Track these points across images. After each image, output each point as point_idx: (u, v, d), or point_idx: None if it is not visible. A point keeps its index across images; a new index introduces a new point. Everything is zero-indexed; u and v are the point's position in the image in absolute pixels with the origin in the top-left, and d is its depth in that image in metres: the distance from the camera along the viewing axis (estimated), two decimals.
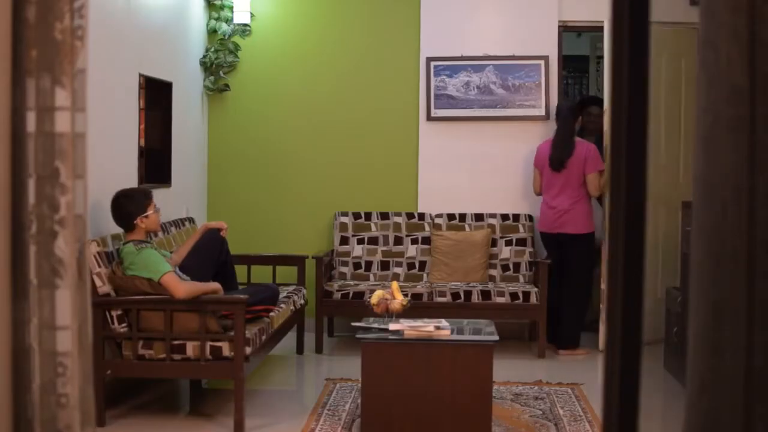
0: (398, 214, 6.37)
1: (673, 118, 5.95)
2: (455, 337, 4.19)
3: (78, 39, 1.79)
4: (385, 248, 6.32)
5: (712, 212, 1.04)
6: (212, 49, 6.40)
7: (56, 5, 1.77)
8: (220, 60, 6.41)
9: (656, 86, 5.78)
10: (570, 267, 5.92)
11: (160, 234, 5.15)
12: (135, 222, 4.44)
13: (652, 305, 5.76)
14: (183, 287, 4.28)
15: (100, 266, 4.28)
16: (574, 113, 6.01)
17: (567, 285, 5.93)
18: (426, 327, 4.16)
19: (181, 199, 5.98)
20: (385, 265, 6.29)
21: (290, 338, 5.79)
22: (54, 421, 1.81)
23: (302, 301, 5.73)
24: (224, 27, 6.44)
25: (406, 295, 4.74)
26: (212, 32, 6.49)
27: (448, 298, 5.78)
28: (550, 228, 5.98)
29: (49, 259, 1.79)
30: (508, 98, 6.38)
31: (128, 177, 5.14)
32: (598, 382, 5.11)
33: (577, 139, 5.93)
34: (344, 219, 6.37)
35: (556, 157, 5.89)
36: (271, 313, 4.82)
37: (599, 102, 6.41)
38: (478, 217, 6.34)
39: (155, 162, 5.55)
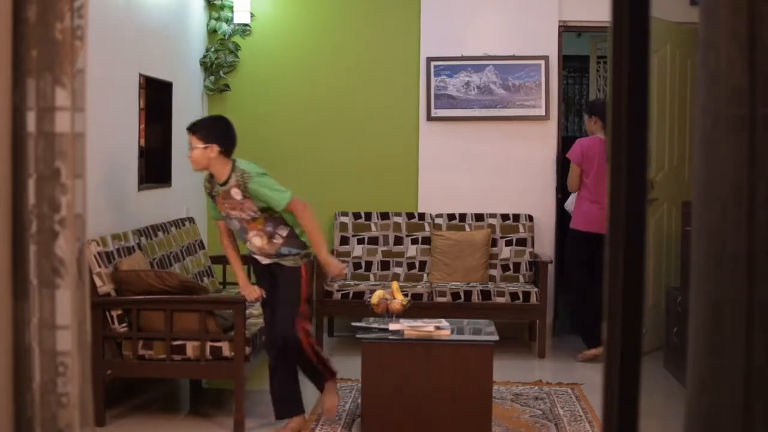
0: (398, 214, 6.37)
1: (678, 117, 5.95)
2: (455, 337, 4.19)
3: (78, 39, 1.80)
4: (385, 248, 6.32)
5: (712, 212, 1.04)
6: (212, 49, 6.40)
7: (56, 5, 1.77)
8: (220, 60, 6.41)
9: (662, 85, 5.78)
10: None
11: (161, 234, 5.15)
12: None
13: (651, 307, 5.76)
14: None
15: (100, 266, 4.28)
16: None
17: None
18: (426, 327, 4.16)
19: (181, 199, 5.98)
20: (385, 265, 6.29)
21: None
22: (54, 420, 1.81)
23: None
24: (224, 27, 6.44)
25: (406, 295, 4.74)
26: (212, 32, 6.49)
27: (448, 298, 5.78)
28: (599, 228, 5.66)
29: (50, 258, 1.79)
30: (508, 98, 6.38)
31: (128, 177, 5.14)
32: (598, 382, 5.11)
33: None
34: (344, 219, 6.37)
35: None
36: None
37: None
38: (478, 217, 6.34)
39: (155, 162, 5.55)
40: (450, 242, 6.20)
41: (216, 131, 4.08)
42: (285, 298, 4.16)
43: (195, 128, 4.11)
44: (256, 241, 4.16)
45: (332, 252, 6.32)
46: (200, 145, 4.03)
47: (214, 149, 4.02)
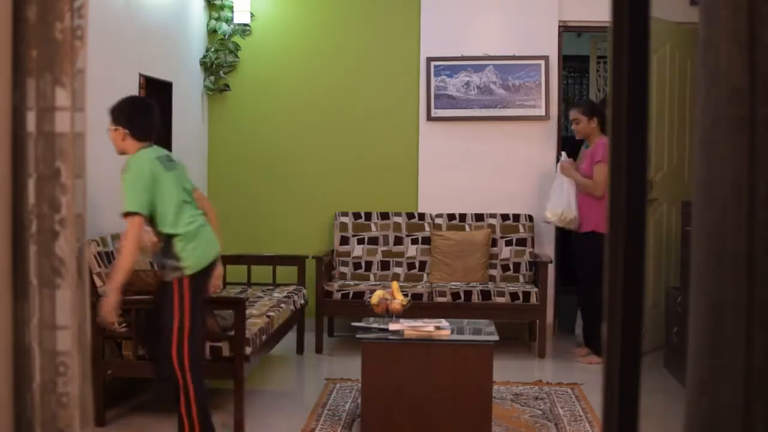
0: (398, 214, 6.37)
1: (678, 117, 5.94)
2: (455, 337, 4.19)
3: (78, 39, 1.80)
4: (385, 248, 6.32)
5: (712, 212, 1.04)
6: (212, 49, 6.41)
7: (56, 5, 1.77)
8: (220, 60, 6.42)
9: (662, 85, 5.78)
10: None
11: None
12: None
13: (651, 307, 5.76)
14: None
15: (100, 266, 4.28)
16: None
17: None
18: (426, 327, 4.16)
19: None
20: (385, 265, 6.29)
21: (290, 338, 5.79)
22: (54, 420, 1.81)
23: (302, 301, 5.74)
24: (224, 27, 6.44)
25: (406, 295, 4.74)
26: (212, 32, 6.49)
27: (448, 298, 5.78)
28: None
29: (50, 258, 1.79)
30: (508, 98, 6.38)
31: None
32: (598, 382, 5.11)
33: None
34: (344, 219, 6.37)
35: None
36: None
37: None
38: (478, 217, 6.34)
39: None
40: (450, 242, 6.20)
41: (123, 114, 3.78)
42: (161, 324, 3.80)
43: (110, 109, 3.87)
44: (146, 237, 3.79)
45: (332, 252, 6.33)
46: (111, 126, 3.79)
47: (121, 131, 3.75)
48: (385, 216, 6.37)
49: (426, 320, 4.29)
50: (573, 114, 5.85)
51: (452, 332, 4.19)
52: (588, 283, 5.68)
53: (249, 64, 6.54)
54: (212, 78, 6.45)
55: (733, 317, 1.03)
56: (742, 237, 1.01)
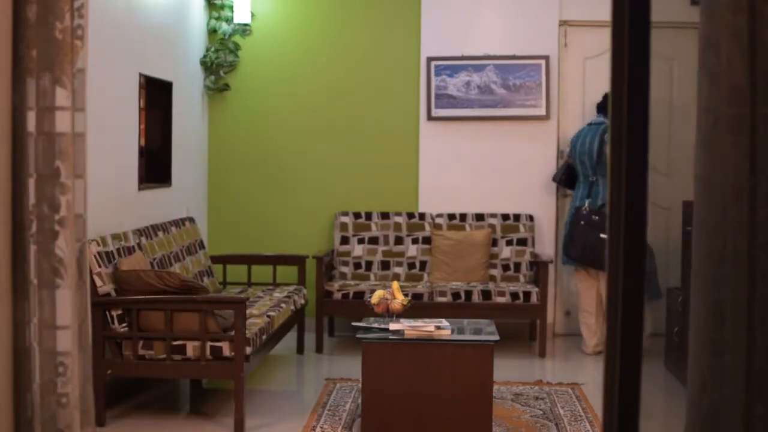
0: (399, 214, 6.37)
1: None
2: (455, 337, 4.19)
3: (78, 39, 1.80)
4: (385, 248, 6.32)
5: (713, 212, 1.04)
6: (212, 49, 6.41)
7: (56, 5, 1.77)
8: (221, 60, 6.42)
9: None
10: None
11: (161, 234, 5.16)
12: None
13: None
14: None
15: (100, 266, 4.28)
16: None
17: None
18: (426, 327, 4.16)
19: (181, 199, 5.98)
20: (385, 265, 6.30)
21: (290, 338, 5.79)
22: (54, 420, 1.81)
23: (302, 301, 5.74)
24: (224, 27, 6.44)
25: (406, 295, 4.74)
26: (212, 32, 6.49)
27: (448, 298, 5.78)
28: None
29: (50, 258, 1.80)
30: (508, 98, 6.38)
31: (128, 177, 5.14)
32: (599, 382, 5.11)
33: None
34: (344, 219, 6.37)
35: None
36: None
37: None
38: (479, 216, 6.34)
39: (155, 162, 5.55)
40: (450, 242, 6.20)
41: None
42: None
43: None
44: None
45: (332, 252, 6.33)
46: None
47: None
48: (385, 216, 6.37)
49: (426, 320, 4.29)
50: None
51: (452, 332, 4.20)
52: None
53: (249, 64, 6.54)
54: (212, 78, 6.45)
55: (734, 317, 1.03)
56: (742, 237, 1.01)
